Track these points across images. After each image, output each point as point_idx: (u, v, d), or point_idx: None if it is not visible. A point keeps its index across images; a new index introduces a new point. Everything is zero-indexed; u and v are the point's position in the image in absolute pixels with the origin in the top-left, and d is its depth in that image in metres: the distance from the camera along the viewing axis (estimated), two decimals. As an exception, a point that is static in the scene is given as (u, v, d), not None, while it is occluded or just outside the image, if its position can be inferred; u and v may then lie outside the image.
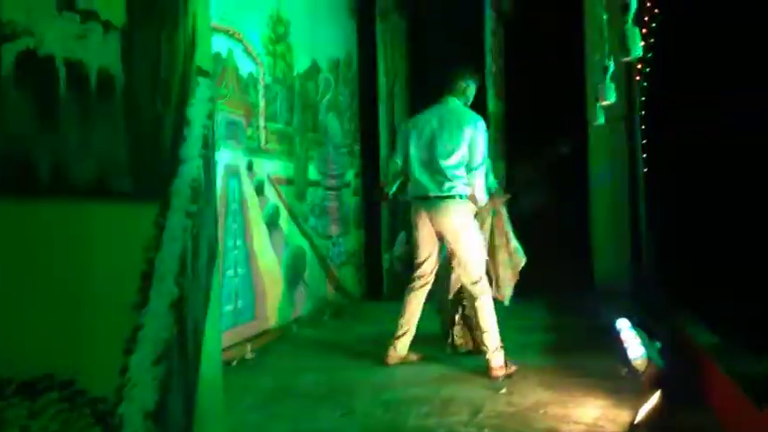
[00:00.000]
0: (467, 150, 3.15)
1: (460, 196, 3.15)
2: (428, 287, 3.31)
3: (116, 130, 1.24)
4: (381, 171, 5.65)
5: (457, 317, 3.50)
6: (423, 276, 3.27)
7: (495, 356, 3.03)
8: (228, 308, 3.43)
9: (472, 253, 3.16)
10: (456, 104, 3.26)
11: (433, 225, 3.19)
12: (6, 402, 1.03)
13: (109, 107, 1.22)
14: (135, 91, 1.29)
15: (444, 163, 3.13)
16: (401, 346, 3.27)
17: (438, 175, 3.14)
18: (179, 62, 1.46)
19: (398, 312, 3.31)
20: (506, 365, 3.02)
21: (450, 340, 3.52)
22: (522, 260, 3.55)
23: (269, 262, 3.91)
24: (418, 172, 3.20)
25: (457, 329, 3.51)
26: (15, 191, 1.03)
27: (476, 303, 3.13)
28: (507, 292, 3.58)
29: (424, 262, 3.26)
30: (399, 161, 3.31)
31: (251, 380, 3.03)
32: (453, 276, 3.40)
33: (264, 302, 3.82)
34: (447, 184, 3.13)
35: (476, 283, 3.14)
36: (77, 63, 1.15)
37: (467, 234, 3.16)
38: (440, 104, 3.27)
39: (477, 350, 3.36)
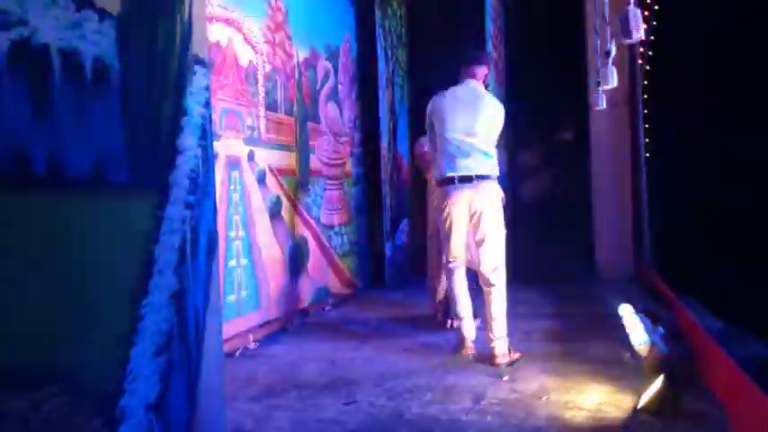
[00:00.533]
0: (495, 134, 3.19)
1: (497, 177, 3.16)
2: (464, 267, 3.22)
3: (112, 120, 1.22)
4: (383, 159, 5.64)
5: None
6: (457, 258, 3.18)
7: (500, 344, 3.03)
8: (231, 298, 3.43)
9: (500, 236, 3.13)
10: (481, 89, 3.25)
11: (471, 205, 3.11)
12: (7, 394, 1.02)
13: (105, 97, 1.21)
14: (131, 80, 1.28)
15: (484, 144, 3.12)
16: (475, 329, 3.21)
17: (479, 155, 3.11)
18: (175, 51, 1.44)
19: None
20: (510, 352, 3.02)
21: (449, 316, 3.65)
22: None
23: (272, 252, 3.90)
24: (458, 153, 3.13)
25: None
26: (11, 184, 1.02)
27: (491, 290, 3.07)
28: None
29: (456, 244, 3.17)
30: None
31: (254, 370, 3.04)
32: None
33: (267, 292, 3.82)
34: (487, 165, 3.12)
35: (495, 269, 3.08)
36: (72, 52, 1.13)
37: (500, 216, 3.15)
38: (464, 87, 3.23)
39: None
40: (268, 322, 3.78)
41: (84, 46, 1.15)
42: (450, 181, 3.14)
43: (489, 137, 3.15)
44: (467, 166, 3.10)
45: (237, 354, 3.32)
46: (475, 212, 3.11)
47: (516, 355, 3.02)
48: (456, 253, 3.18)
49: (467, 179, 3.10)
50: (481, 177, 3.10)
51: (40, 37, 1.06)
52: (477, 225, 3.11)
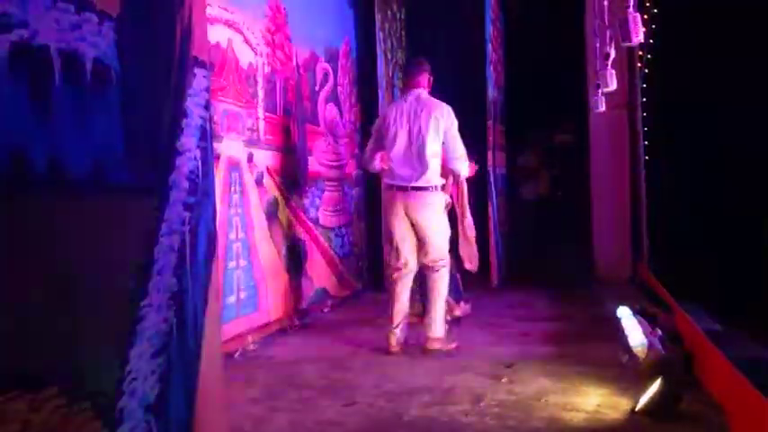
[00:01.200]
0: (443, 140, 3.31)
1: (435, 187, 3.32)
2: (412, 273, 3.41)
3: (112, 121, 1.23)
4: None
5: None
6: (406, 264, 3.37)
7: (437, 327, 3.20)
8: (230, 300, 3.42)
9: (442, 239, 3.36)
10: (425, 95, 3.39)
11: (409, 215, 3.32)
12: (6, 396, 1.03)
13: (105, 98, 1.21)
14: (131, 82, 1.28)
15: (423, 154, 3.27)
16: (401, 334, 3.35)
17: (417, 165, 3.29)
18: (175, 52, 1.45)
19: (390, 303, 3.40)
20: (447, 340, 3.09)
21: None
22: (473, 232, 3.90)
23: (270, 254, 3.90)
24: (397, 163, 3.32)
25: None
26: (11, 184, 1.02)
27: (435, 275, 3.30)
28: (475, 261, 3.95)
29: (402, 247, 3.36)
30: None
31: (253, 371, 3.03)
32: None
33: (266, 294, 3.81)
34: (425, 176, 3.29)
35: (438, 260, 3.32)
36: (72, 54, 1.14)
37: (439, 222, 3.36)
38: (409, 96, 3.39)
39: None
40: (267, 324, 3.78)
41: (83, 48, 1.15)
42: (390, 188, 3.37)
43: (438, 146, 3.28)
44: (403, 177, 3.30)
45: (237, 355, 3.31)
46: (413, 222, 3.32)
47: (453, 345, 3.10)
48: (404, 260, 3.36)
49: (402, 189, 3.30)
50: (418, 189, 3.28)
51: (40, 38, 1.07)
52: (418, 232, 3.34)
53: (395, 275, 3.38)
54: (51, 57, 1.09)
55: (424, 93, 3.38)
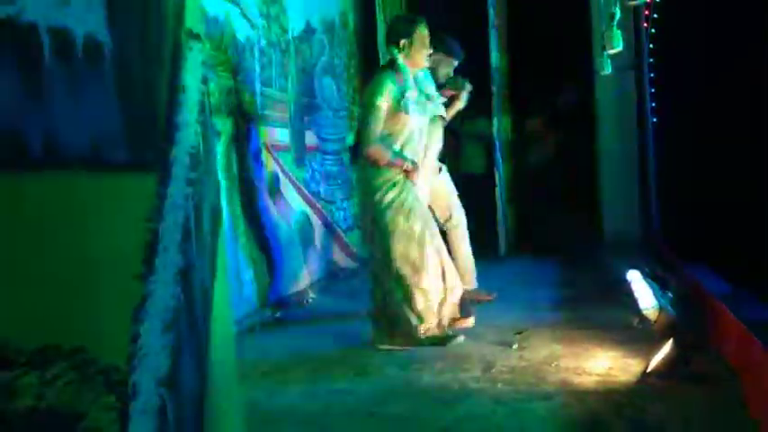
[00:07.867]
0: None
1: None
2: None
3: (107, 98, 1.21)
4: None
5: None
6: None
7: None
8: (237, 274, 3.44)
9: None
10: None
11: None
12: (18, 371, 1.04)
13: (98, 75, 1.19)
14: (125, 57, 1.26)
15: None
16: None
17: None
18: (169, 25, 1.42)
19: None
20: None
21: None
22: None
23: (273, 229, 3.90)
24: None
25: None
26: (7, 166, 1.02)
27: None
28: None
29: None
30: None
31: (265, 345, 3.07)
32: None
33: (274, 269, 3.82)
34: None
35: None
36: (62, 30, 1.11)
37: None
38: None
39: None
40: (278, 298, 3.81)
41: (73, 23, 1.13)
42: None
43: None
44: None
45: (248, 330, 3.35)
46: None
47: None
48: None
49: None
50: None
51: (27, 15, 1.04)
52: None
53: None
54: (40, 34, 1.07)
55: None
